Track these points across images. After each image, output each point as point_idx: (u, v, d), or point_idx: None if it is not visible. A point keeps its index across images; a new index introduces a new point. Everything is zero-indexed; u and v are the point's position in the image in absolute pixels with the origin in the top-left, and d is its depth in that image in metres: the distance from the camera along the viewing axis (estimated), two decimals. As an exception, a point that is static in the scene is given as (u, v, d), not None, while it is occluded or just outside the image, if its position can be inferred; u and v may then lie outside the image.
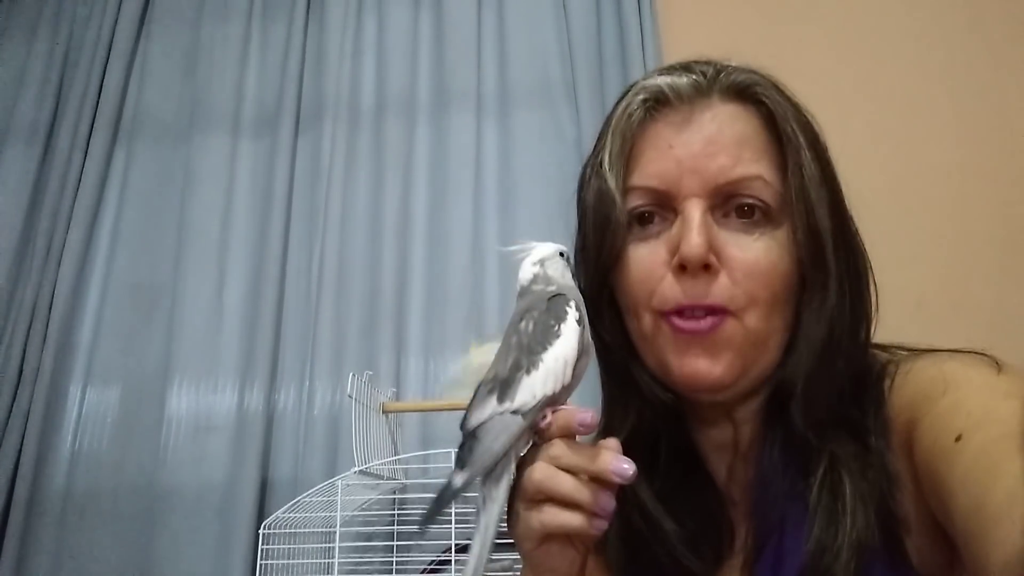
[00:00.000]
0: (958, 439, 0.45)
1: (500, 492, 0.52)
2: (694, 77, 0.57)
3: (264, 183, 1.95)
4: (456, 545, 1.41)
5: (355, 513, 1.53)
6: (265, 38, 2.09)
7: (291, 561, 1.41)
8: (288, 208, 1.91)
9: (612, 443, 0.51)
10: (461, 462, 0.51)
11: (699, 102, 0.56)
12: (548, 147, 1.85)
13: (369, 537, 1.57)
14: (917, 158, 1.75)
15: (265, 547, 1.40)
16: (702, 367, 0.54)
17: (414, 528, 1.55)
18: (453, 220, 1.83)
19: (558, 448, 0.51)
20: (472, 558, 0.51)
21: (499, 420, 0.52)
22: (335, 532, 1.36)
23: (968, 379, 0.49)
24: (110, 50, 2.09)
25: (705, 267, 0.53)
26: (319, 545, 1.42)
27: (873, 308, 0.58)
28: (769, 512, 0.55)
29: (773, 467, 0.56)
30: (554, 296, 0.55)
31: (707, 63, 0.59)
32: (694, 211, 0.54)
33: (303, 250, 1.88)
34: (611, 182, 0.57)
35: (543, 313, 0.54)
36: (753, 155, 0.55)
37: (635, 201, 0.57)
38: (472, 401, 0.55)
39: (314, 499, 1.41)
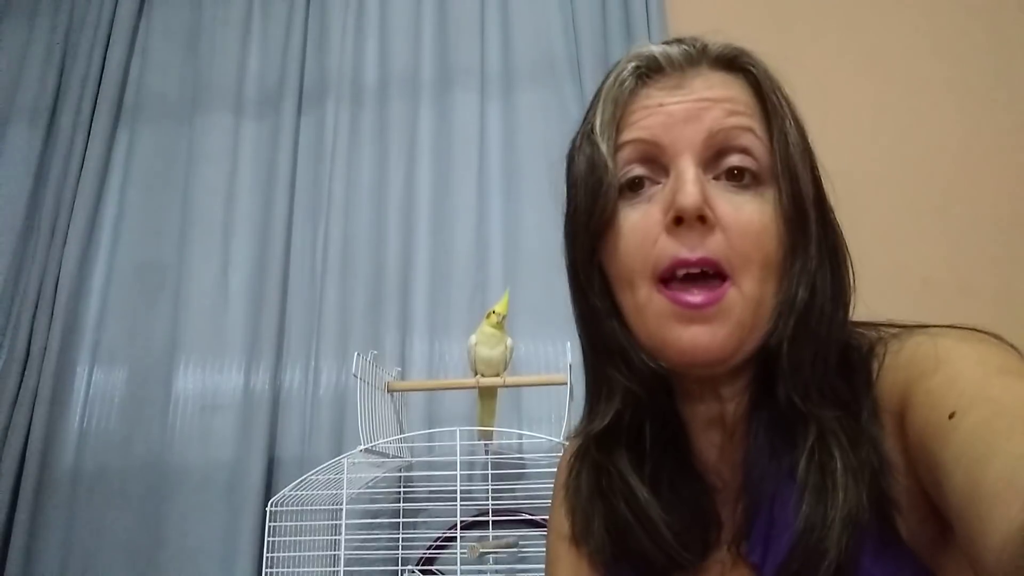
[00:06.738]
0: (951, 416, 0.44)
1: None
2: (685, 47, 0.58)
3: (268, 163, 1.94)
4: (462, 522, 1.42)
5: (361, 491, 1.54)
6: (266, 17, 2.07)
7: (298, 538, 1.43)
8: (292, 188, 1.91)
9: None
10: None
11: (690, 69, 0.57)
12: (552, 125, 1.84)
13: (375, 514, 1.59)
14: (923, 138, 1.74)
15: (272, 524, 1.42)
16: (702, 339, 0.52)
17: (420, 505, 1.56)
18: (457, 199, 1.83)
19: None
20: None
21: None
22: (342, 509, 1.37)
23: (962, 355, 0.48)
24: (111, 30, 2.08)
25: (701, 220, 0.52)
26: (326, 522, 1.43)
27: (852, 286, 0.58)
28: (759, 489, 0.55)
29: (760, 445, 0.55)
30: None
31: (695, 39, 0.59)
32: (687, 165, 0.53)
33: (307, 230, 1.88)
34: (602, 147, 0.56)
35: None
36: (746, 113, 0.55)
37: (625, 160, 0.56)
38: None
39: (321, 477, 1.42)
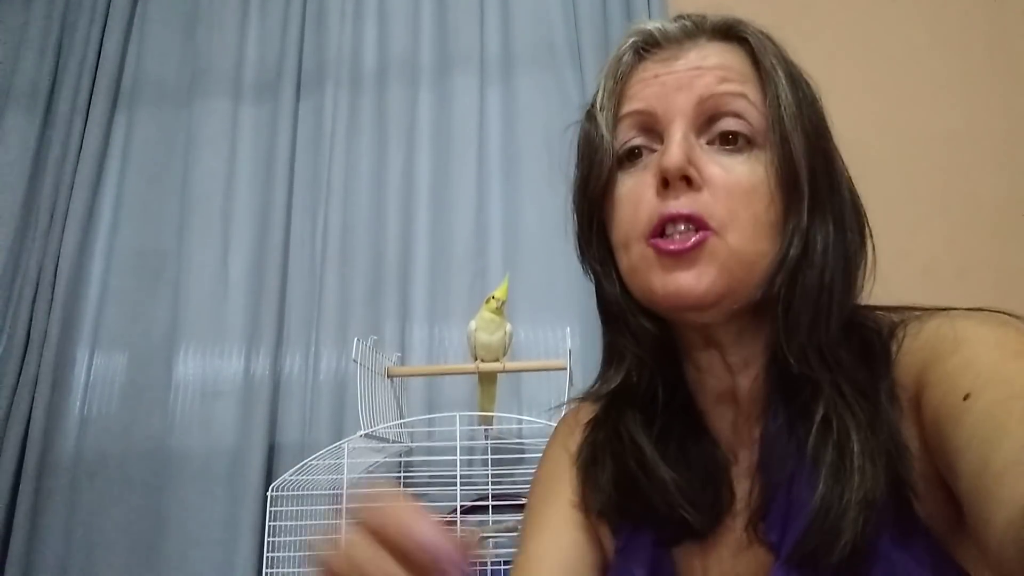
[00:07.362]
0: (966, 398, 0.44)
1: None
2: (683, 21, 0.60)
3: (266, 148, 1.93)
4: (461, 507, 1.43)
5: (361, 475, 1.55)
6: (265, 0, 2.05)
7: (299, 523, 1.44)
8: (291, 173, 1.90)
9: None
10: None
11: (687, 42, 0.59)
12: (552, 110, 1.83)
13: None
14: (923, 123, 1.73)
15: (273, 509, 1.42)
16: (686, 282, 0.54)
17: (420, 490, 1.57)
18: (457, 184, 1.82)
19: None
20: None
21: None
22: (342, 494, 1.38)
23: (980, 337, 0.48)
24: (108, 13, 2.06)
25: (688, 182, 0.54)
26: (326, 507, 1.44)
27: (869, 258, 0.58)
28: (776, 469, 0.55)
29: (780, 426, 0.55)
30: None
31: (693, 14, 0.61)
32: (675, 130, 0.55)
33: (307, 215, 1.87)
34: (601, 120, 0.59)
35: None
36: (739, 79, 0.56)
37: (623, 132, 0.59)
38: None
39: (321, 462, 1.43)
